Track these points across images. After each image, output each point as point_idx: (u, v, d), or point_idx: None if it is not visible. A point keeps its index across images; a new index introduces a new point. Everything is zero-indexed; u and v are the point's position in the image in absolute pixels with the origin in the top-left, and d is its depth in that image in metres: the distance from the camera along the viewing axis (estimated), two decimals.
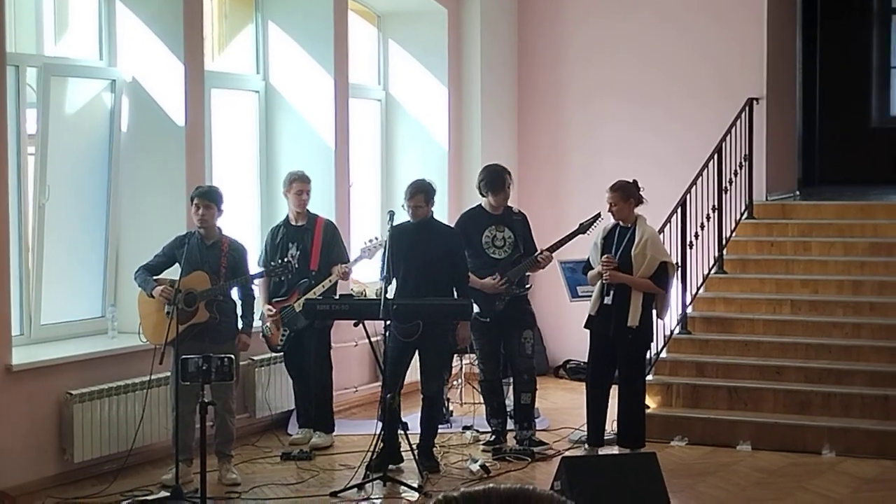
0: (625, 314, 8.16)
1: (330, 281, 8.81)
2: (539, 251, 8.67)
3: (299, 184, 8.88)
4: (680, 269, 9.57)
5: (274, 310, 8.80)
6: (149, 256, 8.01)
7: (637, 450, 8.22)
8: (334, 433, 9.05)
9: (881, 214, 10.91)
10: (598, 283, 8.32)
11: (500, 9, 12.08)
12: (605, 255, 8.26)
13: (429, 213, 8.27)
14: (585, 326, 8.44)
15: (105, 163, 8.88)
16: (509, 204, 8.81)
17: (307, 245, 8.85)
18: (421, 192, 8.20)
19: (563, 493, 6.69)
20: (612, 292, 8.21)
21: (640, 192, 8.35)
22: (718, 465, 8.42)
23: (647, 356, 8.90)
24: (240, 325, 8.04)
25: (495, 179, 8.67)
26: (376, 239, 8.92)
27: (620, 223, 8.37)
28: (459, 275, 8.25)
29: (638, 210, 8.38)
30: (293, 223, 8.94)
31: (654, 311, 8.36)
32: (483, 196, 8.74)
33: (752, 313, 10.06)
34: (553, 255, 8.75)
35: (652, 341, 8.71)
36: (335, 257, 8.91)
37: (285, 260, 8.49)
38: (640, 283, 8.19)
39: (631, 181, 8.37)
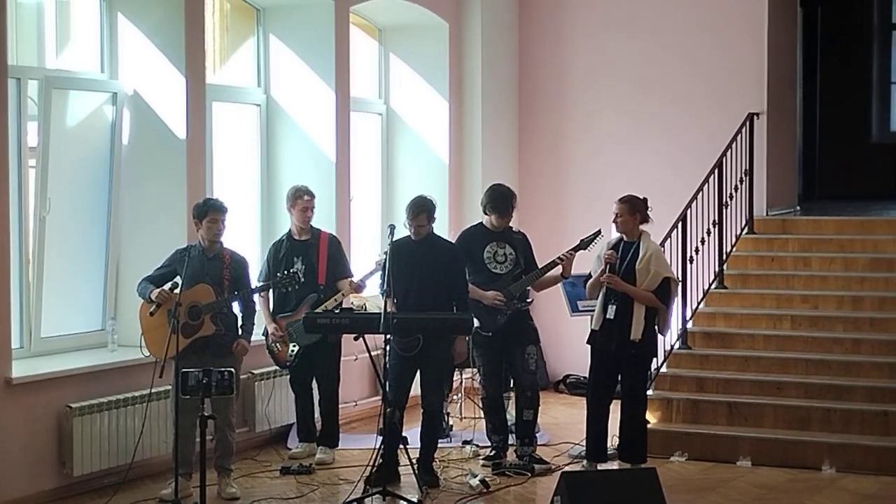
0: (627, 329, 8.16)
1: (343, 295, 8.81)
2: (559, 256, 8.60)
3: (304, 200, 8.88)
4: (680, 284, 9.57)
5: (278, 327, 8.79)
6: (149, 270, 8.01)
7: (638, 465, 8.22)
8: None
9: (881, 230, 10.90)
10: (601, 298, 8.32)
11: (502, 23, 12.10)
12: (608, 252, 8.23)
13: (430, 230, 8.27)
14: (588, 342, 8.43)
15: (106, 176, 8.88)
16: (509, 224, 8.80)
17: (313, 259, 8.83)
18: (424, 212, 8.19)
19: None
20: (615, 306, 8.21)
21: (648, 211, 8.35)
22: (718, 480, 8.41)
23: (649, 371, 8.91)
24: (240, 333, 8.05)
25: (501, 203, 8.64)
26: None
27: (625, 238, 8.37)
28: (459, 291, 8.24)
29: (642, 227, 8.38)
30: (297, 238, 8.94)
31: (656, 327, 8.36)
32: (486, 215, 8.73)
33: (752, 329, 10.06)
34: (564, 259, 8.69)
35: (655, 356, 8.72)
36: (339, 272, 8.90)
37: (292, 270, 8.48)
38: (641, 294, 8.18)
39: (641, 198, 8.37)
